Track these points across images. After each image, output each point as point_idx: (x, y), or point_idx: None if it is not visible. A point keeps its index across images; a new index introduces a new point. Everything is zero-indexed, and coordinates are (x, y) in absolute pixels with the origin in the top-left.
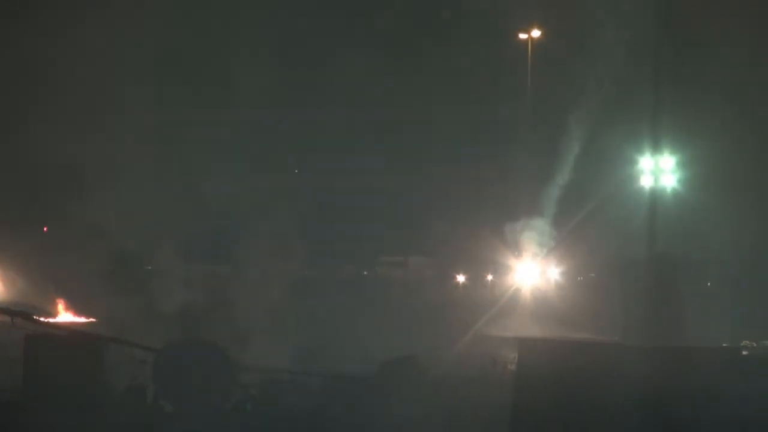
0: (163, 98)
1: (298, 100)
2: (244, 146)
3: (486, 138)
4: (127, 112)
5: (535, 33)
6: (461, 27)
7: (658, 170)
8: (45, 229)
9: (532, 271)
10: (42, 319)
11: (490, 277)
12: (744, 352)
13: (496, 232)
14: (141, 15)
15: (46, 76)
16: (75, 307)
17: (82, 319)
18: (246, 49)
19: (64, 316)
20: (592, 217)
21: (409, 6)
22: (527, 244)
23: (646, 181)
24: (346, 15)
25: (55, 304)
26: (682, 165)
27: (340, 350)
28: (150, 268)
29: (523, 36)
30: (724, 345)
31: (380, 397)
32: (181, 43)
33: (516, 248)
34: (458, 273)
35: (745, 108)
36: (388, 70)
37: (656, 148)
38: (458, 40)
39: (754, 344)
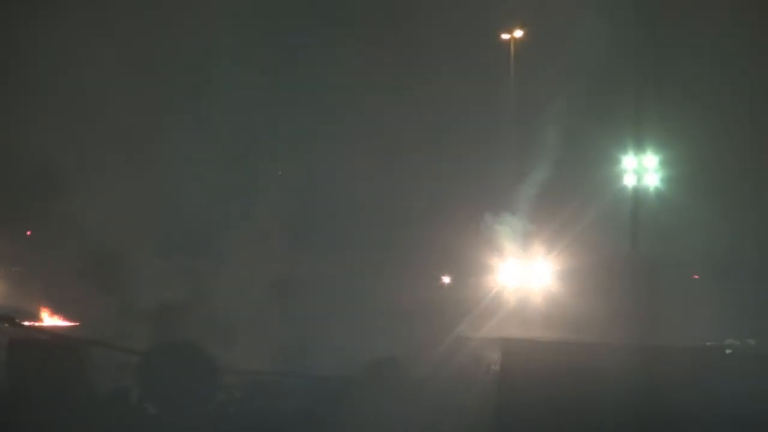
0: (143, 96)
1: (278, 98)
2: (225, 144)
3: (468, 138)
4: (104, 110)
5: (518, 33)
6: (442, 26)
7: (642, 169)
8: (29, 233)
9: (516, 271)
10: (25, 323)
11: (474, 278)
12: (728, 351)
13: (478, 233)
14: (112, 13)
15: (21, 77)
16: (58, 310)
17: (66, 323)
18: (226, 45)
19: (48, 319)
20: (575, 217)
21: (389, 5)
22: (510, 244)
23: (629, 180)
24: (325, 14)
25: (38, 308)
26: (666, 164)
27: (323, 351)
28: (132, 267)
29: (505, 36)
30: (708, 343)
31: (364, 398)
32: (156, 40)
33: (499, 249)
34: (442, 274)
35: (729, 106)
36: (370, 69)
37: (639, 147)
38: (439, 40)
39: (738, 342)
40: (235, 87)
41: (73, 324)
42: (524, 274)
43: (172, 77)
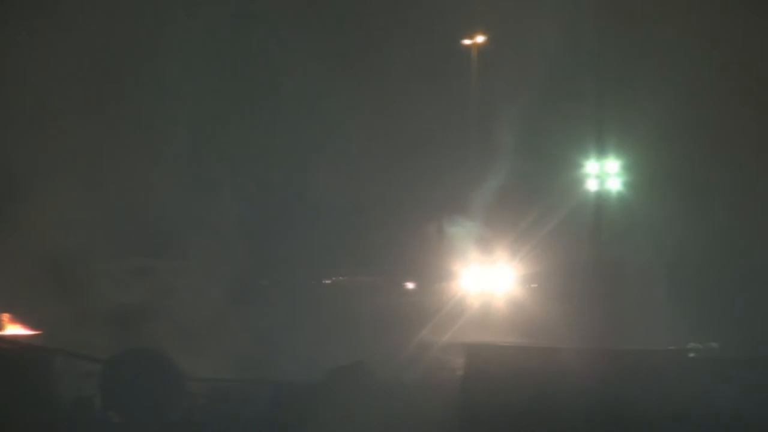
0: (99, 96)
1: (240, 101)
2: (185, 147)
3: (431, 143)
4: (58, 111)
5: (480, 39)
6: (404, 32)
7: (604, 174)
8: None
9: (479, 276)
10: None
11: (437, 284)
12: (691, 354)
13: (441, 239)
14: (66, 11)
15: None
16: (19, 318)
17: (27, 331)
18: (180, 46)
19: (10, 328)
20: (538, 222)
21: (351, 10)
22: (473, 250)
23: (591, 185)
24: (285, 17)
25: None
26: (628, 168)
27: (287, 357)
28: (93, 273)
29: (467, 42)
30: (671, 347)
31: (329, 403)
32: (112, 39)
33: (462, 255)
34: (406, 279)
35: (690, 110)
36: (330, 73)
37: (601, 151)
38: (400, 46)
39: (701, 346)
40: (196, 89)
41: (34, 332)
42: (487, 279)
43: (130, 76)
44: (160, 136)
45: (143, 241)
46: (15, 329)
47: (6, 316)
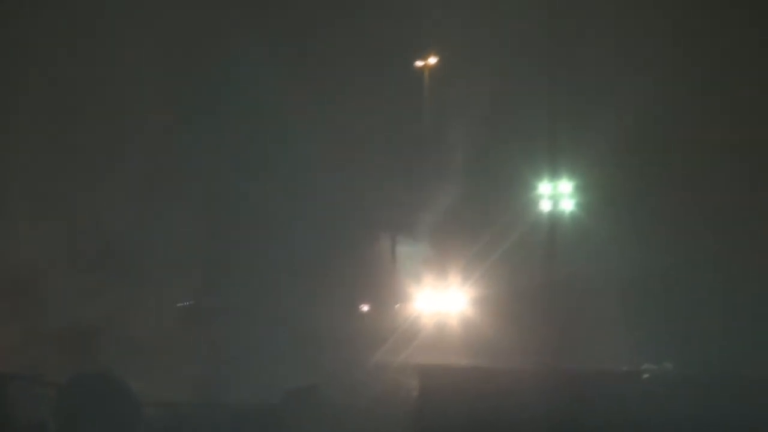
0: (53, 108)
1: (192, 115)
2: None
3: (382, 166)
4: (8, 122)
5: (432, 60)
6: (355, 54)
7: (557, 195)
8: None
9: (433, 298)
10: None
11: (391, 305)
12: (645, 375)
13: (394, 261)
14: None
15: None
16: None
17: None
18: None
19: None
20: (492, 243)
21: (303, 30)
22: (426, 271)
23: (545, 206)
24: (238, 35)
25: None
26: (581, 189)
27: (241, 380)
28: (46, 292)
29: (419, 63)
30: (625, 368)
31: (284, 427)
32: (64, 48)
33: (415, 276)
34: (360, 301)
35: (644, 130)
36: (279, 90)
37: (555, 173)
38: (352, 66)
39: (655, 366)
40: (148, 102)
41: None
42: (441, 301)
43: (85, 88)
44: (111, 152)
45: (97, 258)
46: None
47: None
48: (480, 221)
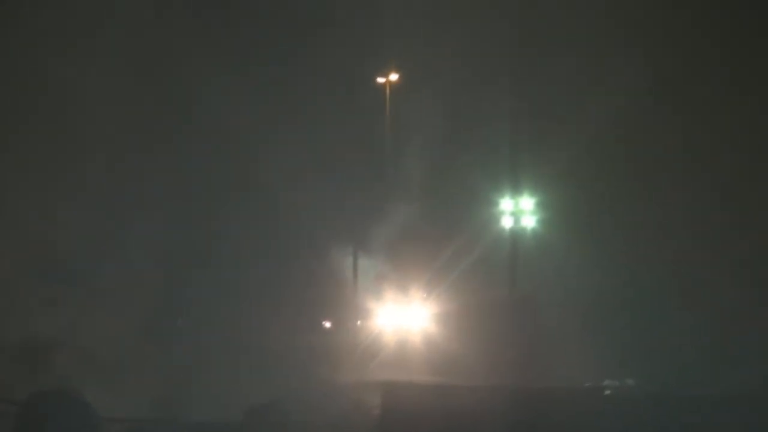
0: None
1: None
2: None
3: (344, 183)
4: None
5: (394, 77)
6: (317, 70)
7: (519, 211)
8: None
9: (394, 314)
10: None
11: (353, 322)
12: (607, 392)
13: (355, 277)
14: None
15: None
16: None
17: None
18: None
19: None
20: (453, 260)
21: (267, 46)
22: (388, 288)
23: (506, 222)
24: (201, 52)
25: None
26: (542, 206)
27: (202, 397)
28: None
29: (381, 80)
30: (587, 384)
31: None
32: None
33: (377, 293)
34: (321, 318)
35: (604, 148)
36: (243, 107)
37: (516, 190)
38: (314, 83)
39: (617, 383)
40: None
41: None
42: (403, 317)
43: (57, 97)
44: (73, 161)
45: (55, 270)
46: None
47: None
48: (442, 237)
